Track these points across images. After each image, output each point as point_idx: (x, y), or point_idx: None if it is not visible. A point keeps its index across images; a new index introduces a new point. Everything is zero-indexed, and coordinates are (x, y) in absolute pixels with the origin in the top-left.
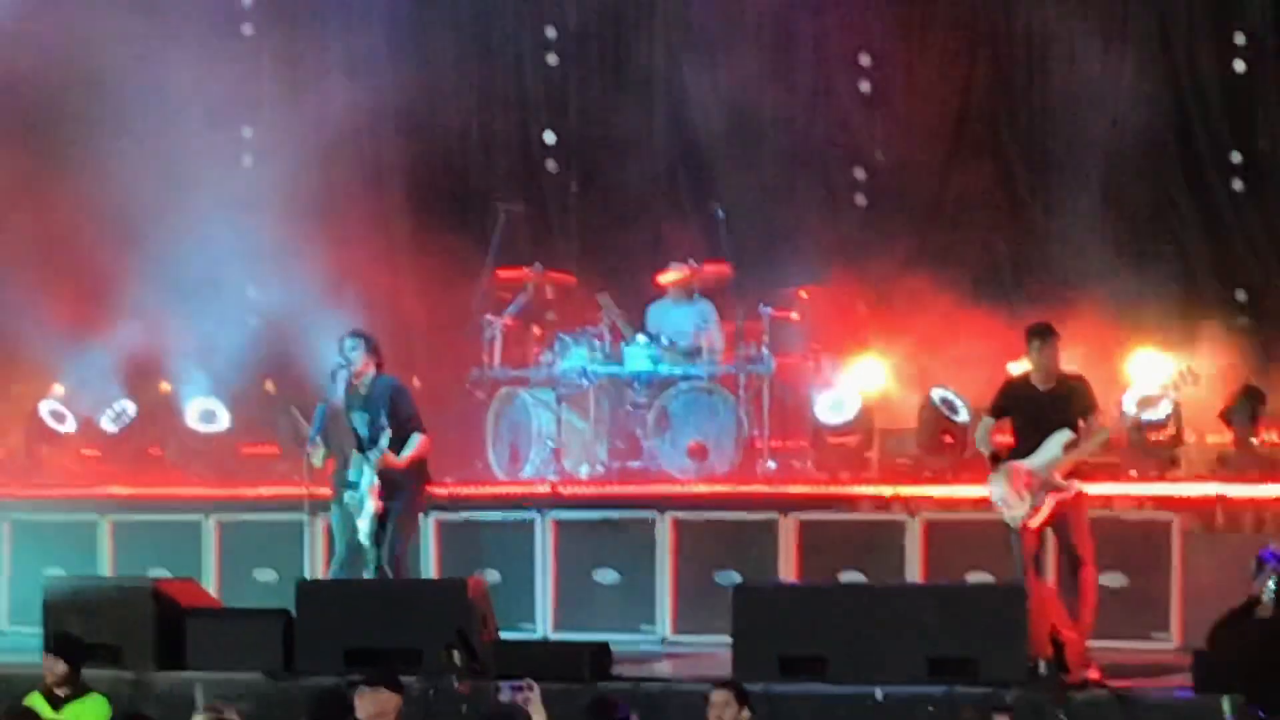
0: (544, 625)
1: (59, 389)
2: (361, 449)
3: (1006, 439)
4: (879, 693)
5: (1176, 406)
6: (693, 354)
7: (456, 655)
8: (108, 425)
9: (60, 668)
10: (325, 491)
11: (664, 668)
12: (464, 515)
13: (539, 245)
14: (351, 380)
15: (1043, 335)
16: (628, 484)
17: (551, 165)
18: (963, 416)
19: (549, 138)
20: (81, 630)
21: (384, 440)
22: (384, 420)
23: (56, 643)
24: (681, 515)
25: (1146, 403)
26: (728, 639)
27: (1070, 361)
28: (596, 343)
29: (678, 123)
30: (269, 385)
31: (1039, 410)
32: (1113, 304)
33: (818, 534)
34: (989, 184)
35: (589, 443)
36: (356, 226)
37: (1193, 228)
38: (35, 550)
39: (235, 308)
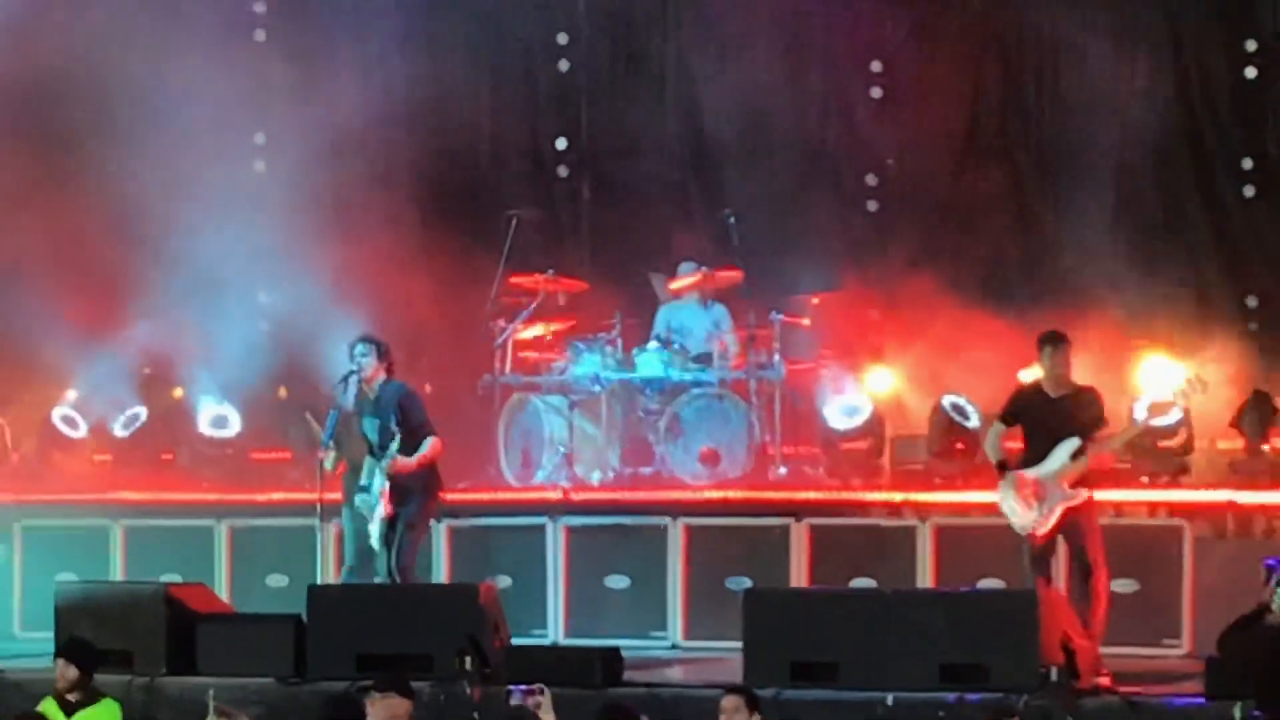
0: (555, 631)
1: (71, 395)
2: (373, 454)
3: (1016, 445)
4: (890, 699)
5: (1187, 413)
6: (705, 360)
7: (468, 660)
8: (119, 430)
9: (72, 673)
10: (337, 497)
11: (675, 673)
12: (475, 521)
13: (550, 251)
14: (362, 386)
15: (1055, 342)
16: (639, 490)
17: (563, 171)
18: (974, 422)
19: (560, 144)
20: (93, 635)
21: (394, 445)
22: (394, 425)
23: (68, 648)
24: (693, 521)
25: (1157, 409)
26: (739, 645)
27: (1081, 368)
28: (608, 349)
29: (689, 128)
30: (282, 391)
31: (1049, 418)
32: (1123, 310)
33: (829, 540)
34: (1000, 190)
35: (601, 448)
36: (368, 232)
37: (1203, 234)
38: (47, 556)
39: (247, 313)
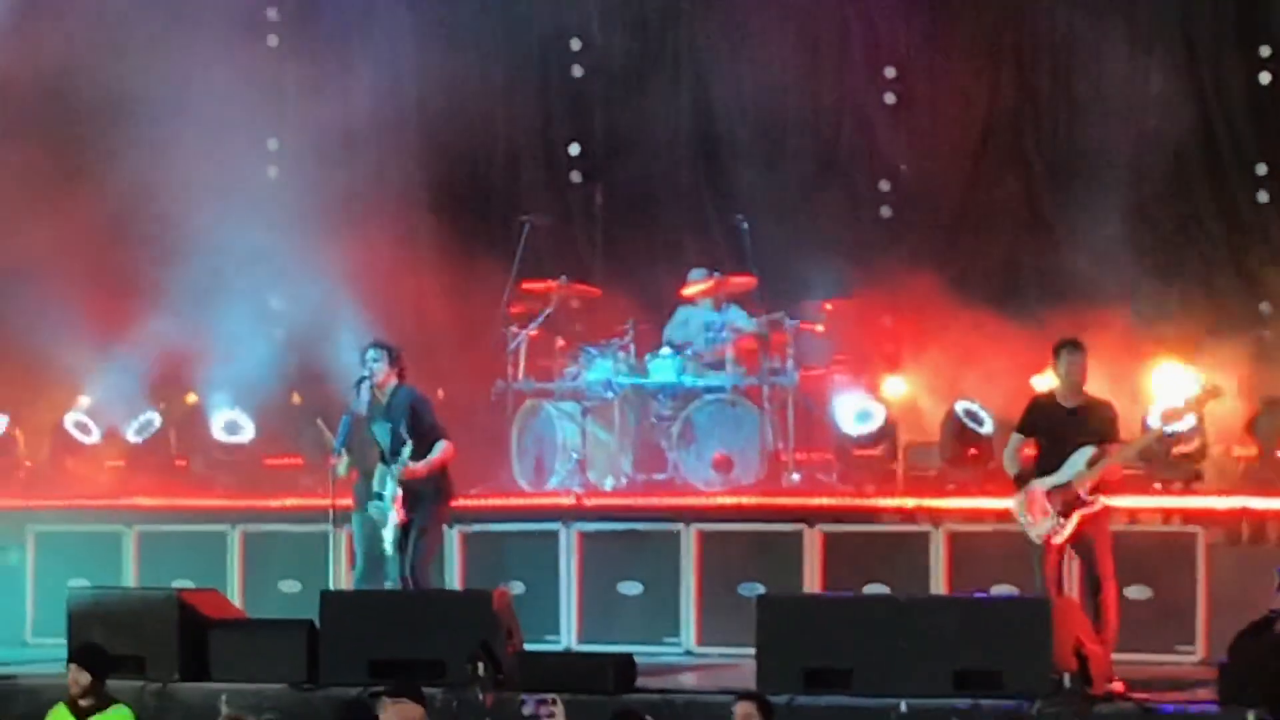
0: (568, 637)
1: (84, 400)
2: (384, 460)
3: (1031, 453)
4: (903, 705)
5: (1201, 419)
6: (717, 364)
7: (481, 667)
8: (132, 436)
9: (84, 679)
10: (349, 503)
11: (688, 679)
12: (488, 527)
13: (563, 257)
14: (374, 391)
15: (1070, 348)
16: (652, 496)
17: (576, 177)
18: (987, 428)
19: (574, 149)
20: (106, 641)
21: (406, 451)
22: (405, 430)
23: (81, 654)
24: (706, 527)
25: (1171, 416)
26: (752, 651)
27: (1094, 374)
28: (621, 355)
29: (702, 134)
30: (295, 397)
31: (1063, 428)
32: (1137, 317)
33: (842, 546)
34: (1013, 196)
35: (613, 454)
36: (381, 238)
37: (1217, 240)
38: (60, 561)
39: (260, 319)
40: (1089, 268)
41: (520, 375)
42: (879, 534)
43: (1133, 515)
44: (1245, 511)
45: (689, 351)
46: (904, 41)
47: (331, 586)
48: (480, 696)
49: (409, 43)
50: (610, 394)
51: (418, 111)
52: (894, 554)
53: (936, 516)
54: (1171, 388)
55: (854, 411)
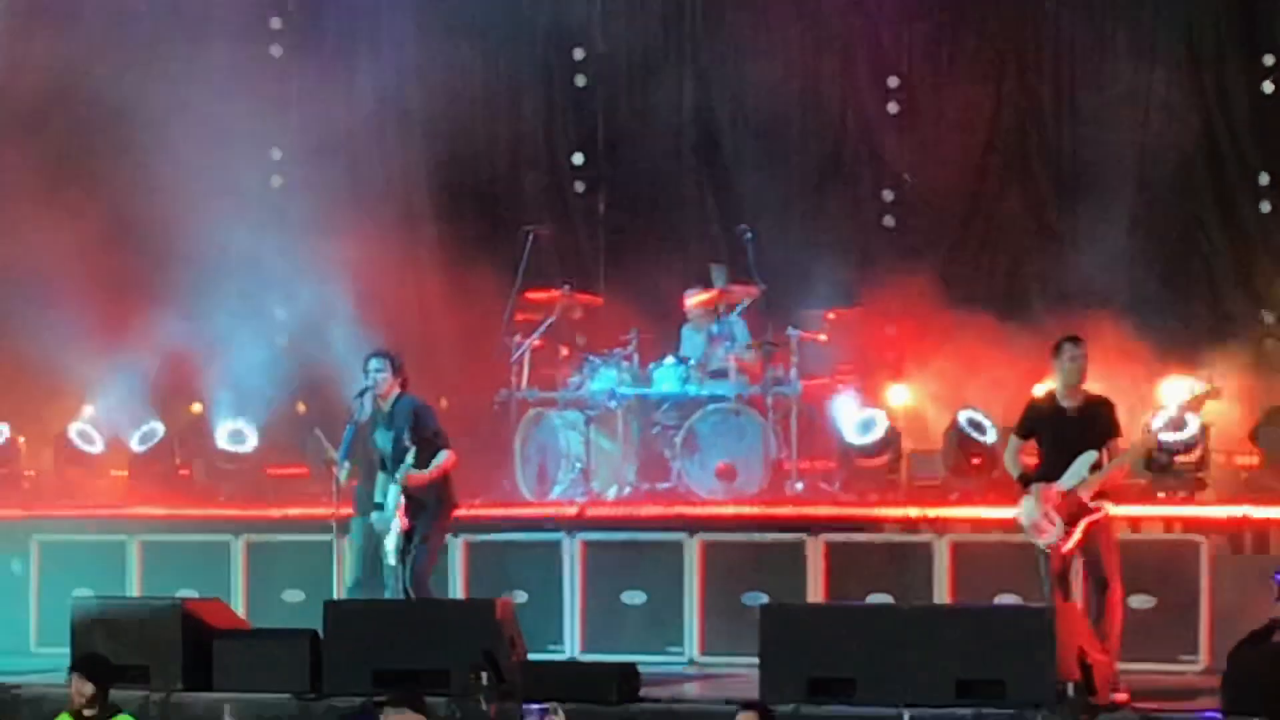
0: (572, 646)
1: (88, 410)
2: (385, 469)
3: (1032, 460)
4: (907, 714)
5: (1203, 428)
6: (721, 374)
7: (484, 676)
8: (136, 446)
9: (88, 688)
10: (352, 513)
11: (692, 689)
12: (492, 536)
13: (567, 266)
14: (376, 400)
15: (1072, 343)
16: (656, 505)
17: (579, 186)
18: (990, 437)
19: (577, 159)
20: (109, 651)
21: (409, 459)
22: (407, 439)
23: (84, 663)
24: (709, 536)
25: (1173, 424)
26: (755, 660)
27: (1097, 381)
28: (625, 364)
29: (706, 143)
30: (300, 406)
31: (1064, 431)
32: (1140, 325)
33: (845, 555)
34: (1017, 205)
35: (617, 464)
36: (385, 247)
37: (1220, 249)
38: (64, 571)
39: (264, 329)
40: (1092, 276)
41: (524, 384)
42: (882, 543)
43: (1136, 524)
44: (1248, 520)
45: (692, 361)
46: (907, 51)
47: (335, 596)
48: (483, 706)
49: (412, 53)
50: (614, 403)
51: (421, 121)
52: (897, 563)
53: (940, 526)
54: (1173, 396)
55: (857, 421)
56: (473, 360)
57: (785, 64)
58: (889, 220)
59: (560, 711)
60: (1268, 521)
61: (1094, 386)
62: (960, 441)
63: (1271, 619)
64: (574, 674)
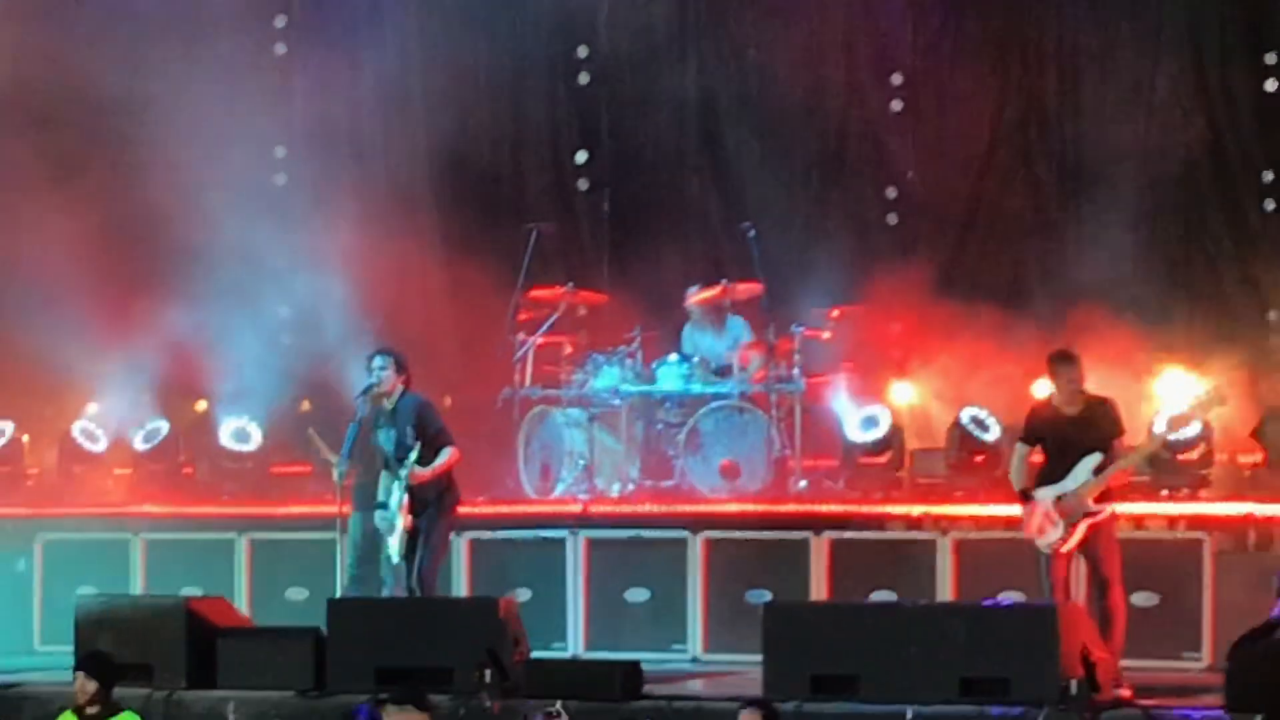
0: (575, 644)
1: (92, 408)
2: (388, 467)
3: (1039, 460)
4: (910, 712)
5: (1207, 426)
6: (724, 372)
7: (488, 674)
8: (140, 444)
9: (92, 687)
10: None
11: (695, 687)
12: (495, 534)
13: (570, 264)
14: (380, 398)
15: (1063, 362)
16: (659, 503)
17: (583, 184)
18: (993, 435)
19: (580, 157)
20: (113, 649)
21: (413, 456)
22: (410, 437)
23: (88, 662)
24: (713, 534)
25: (1177, 422)
26: (759, 658)
27: (1101, 381)
28: (628, 362)
29: (709, 142)
30: (304, 404)
31: (1066, 435)
32: (1143, 323)
33: (849, 553)
34: (1021, 203)
35: (620, 462)
36: (388, 245)
37: (1224, 247)
38: (67, 569)
39: (269, 327)
40: (1096, 274)
41: (527, 382)
42: (886, 541)
43: (1139, 522)
44: (1252, 518)
45: (696, 359)
46: (911, 49)
47: (339, 594)
48: (487, 704)
49: (416, 51)
50: (617, 401)
51: (425, 119)
52: (901, 561)
53: (943, 523)
54: (1177, 395)
55: (860, 418)
56: (476, 358)
57: (789, 61)
58: (892, 218)
59: (563, 709)
60: (1271, 519)
61: (1096, 385)
62: (963, 439)
63: (1272, 615)
64: (577, 672)
